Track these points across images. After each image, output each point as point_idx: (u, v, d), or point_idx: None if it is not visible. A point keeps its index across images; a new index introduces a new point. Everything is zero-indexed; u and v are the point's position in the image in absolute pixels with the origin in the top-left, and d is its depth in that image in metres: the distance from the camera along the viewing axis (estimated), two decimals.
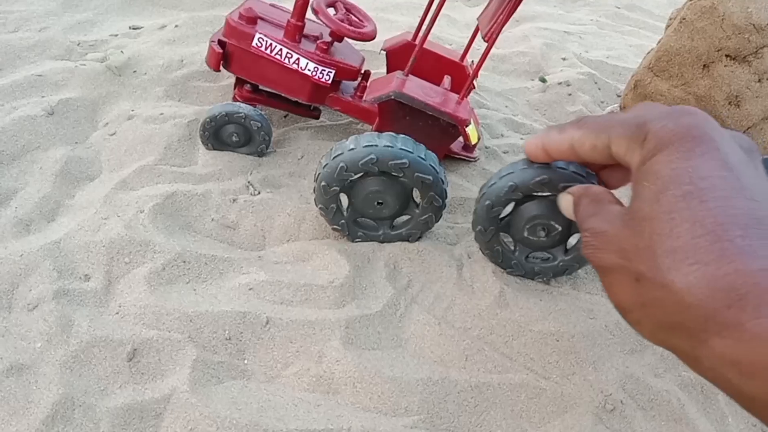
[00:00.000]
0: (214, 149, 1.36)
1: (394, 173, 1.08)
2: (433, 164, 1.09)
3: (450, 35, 2.12)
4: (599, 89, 1.87)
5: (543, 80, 1.89)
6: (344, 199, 1.16)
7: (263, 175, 1.33)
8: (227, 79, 1.59)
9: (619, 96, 1.81)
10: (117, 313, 1.00)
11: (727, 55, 1.40)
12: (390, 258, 1.17)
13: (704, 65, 1.42)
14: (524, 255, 1.16)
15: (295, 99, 1.38)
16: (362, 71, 1.42)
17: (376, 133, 1.09)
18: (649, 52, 1.56)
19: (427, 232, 1.21)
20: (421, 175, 1.07)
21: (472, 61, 1.52)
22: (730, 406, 1.03)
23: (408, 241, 1.20)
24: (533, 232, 1.10)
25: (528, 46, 2.10)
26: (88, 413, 0.87)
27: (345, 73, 1.34)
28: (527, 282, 1.18)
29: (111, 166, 1.33)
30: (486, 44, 1.22)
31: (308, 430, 0.88)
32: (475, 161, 1.49)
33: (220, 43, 1.33)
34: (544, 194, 1.06)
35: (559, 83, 1.86)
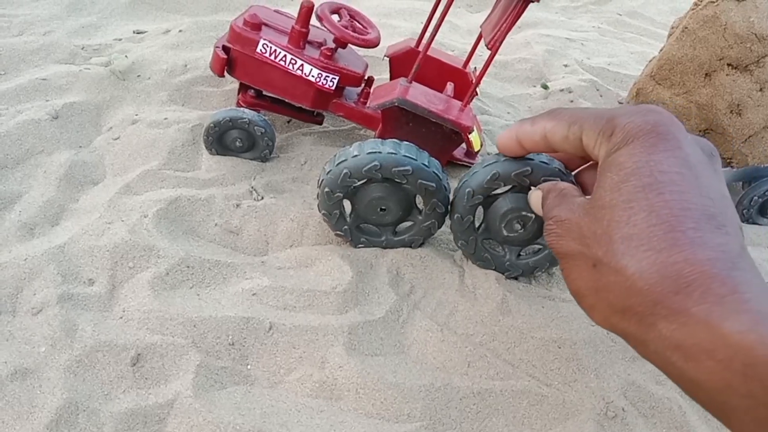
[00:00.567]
0: (218, 154, 1.37)
1: (397, 180, 1.08)
2: (436, 171, 1.09)
3: (452, 41, 2.13)
4: (601, 96, 1.88)
5: (545, 87, 1.90)
6: (347, 205, 1.16)
7: (266, 181, 1.33)
8: (231, 84, 1.59)
9: (620, 103, 1.81)
10: (121, 317, 1.01)
11: (728, 64, 1.41)
12: (393, 264, 1.17)
13: (706, 74, 1.43)
14: (515, 254, 1.17)
15: (299, 105, 1.38)
16: (366, 77, 1.43)
17: (380, 139, 1.10)
18: (651, 60, 1.57)
19: (429, 238, 1.22)
20: (424, 182, 1.08)
21: (475, 68, 1.53)
22: None
23: (411, 247, 1.20)
24: (510, 228, 1.11)
25: (530, 52, 2.11)
26: (92, 418, 0.88)
27: (349, 79, 1.35)
28: (530, 288, 1.19)
29: (115, 171, 1.34)
30: (489, 51, 1.23)
31: None
32: None
33: (225, 48, 1.34)
34: (506, 189, 1.09)
35: (561, 90, 1.87)
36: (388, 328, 1.08)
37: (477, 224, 1.15)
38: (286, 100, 1.39)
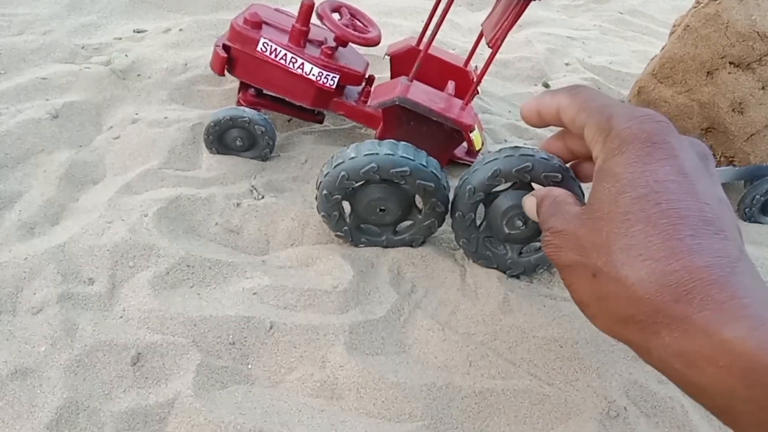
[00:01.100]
0: (218, 153, 1.36)
1: (395, 181, 1.08)
2: (434, 171, 1.09)
3: (453, 39, 2.13)
4: None
5: (546, 85, 1.90)
6: (346, 206, 1.16)
7: (267, 180, 1.33)
8: (231, 83, 1.59)
9: (622, 101, 1.81)
10: (121, 317, 1.01)
11: (731, 63, 1.40)
12: (393, 263, 1.17)
13: (708, 72, 1.42)
14: (516, 252, 1.17)
15: (300, 103, 1.38)
16: (367, 76, 1.42)
17: (377, 140, 1.10)
18: (652, 59, 1.57)
19: (430, 237, 1.21)
20: (422, 182, 1.08)
21: (476, 66, 1.53)
22: None
23: (411, 246, 1.20)
24: (512, 225, 1.11)
25: (531, 51, 2.11)
26: (92, 418, 0.87)
27: (349, 78, 1.34)
28: (531, 287, 1.18)
29: (115, 170, 1.34)
30: (490, 50, 1.22)
31: None
32: None
33: (225, 47, 1.34)
34: (507, 186, 1.09)
35: None
36: (389, 328, 1.07)
37: (478, 222, 1.15)
38: (287, 99, 1.39)
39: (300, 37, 1.32)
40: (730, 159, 1.47)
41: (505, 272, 1.18)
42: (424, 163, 1.08)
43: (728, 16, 1.38)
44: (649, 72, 1.52)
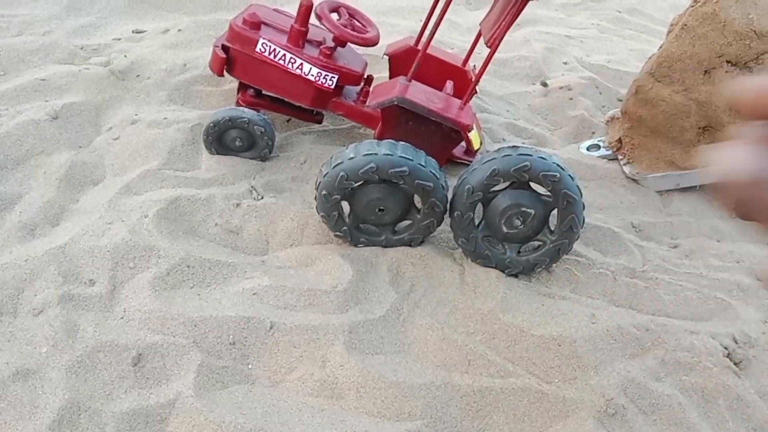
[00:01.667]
0: (218, 154, 1.37)
1: (394, 181, 1.09)
2: (433, 170, 1.10)
3: (451, 39, 2.13)
4: (600, 93, 1.88)
5: (544, 84, 1.90)
6: (345, 206, 1.17)
7: (266, 180, 1.34)
8: (230, 83, 1.59)
9: (620, 100, 1.81)
10: (122, 318, 1.01)
11: (728, 61, 1.41)
12: (393, 263, 1.18)
13: (705, 71, 1.43)
14: (515, 251, 1.18)
15: (299, 104, 1.38)
16: (365, 76, 1.43)
17: (376, 141, 1.10)
18: (650, 57, 1.57)
19: (429, 236, 1.22)
20: (421, 182, 1.08)
21: (474, 66, 1.53)
22: (730, 411, 1.04)
23: (410, 245, 1.21)
24: (510, 224, 1.13)
25: (529, 50, 2.11)
26: (94, 418, 0.88)
27: (348, 78, 1.35)
28: (530, 286, 1.19)
29: (115, 171, 1.34)
30: (488, 49, 1.23)
31: None
32: None
33: (224, 47, 1.34)
34: (505, 186, 1.10)
35: (561, 87, 1.87)
36: (388, 327, 1.08)
37: (477, 221, 1.16)
38: (286, 99, 1.39)
39: (299, 38, 1.33)
40: None
41: (503, 271, 1.19)
42: (423, 163, 1.09)
43: (725, 15, 1.38)
44: (646, 71, 1.52)
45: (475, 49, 1.51)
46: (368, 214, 1.15)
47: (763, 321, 1.21)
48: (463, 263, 1.21)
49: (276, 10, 1.45)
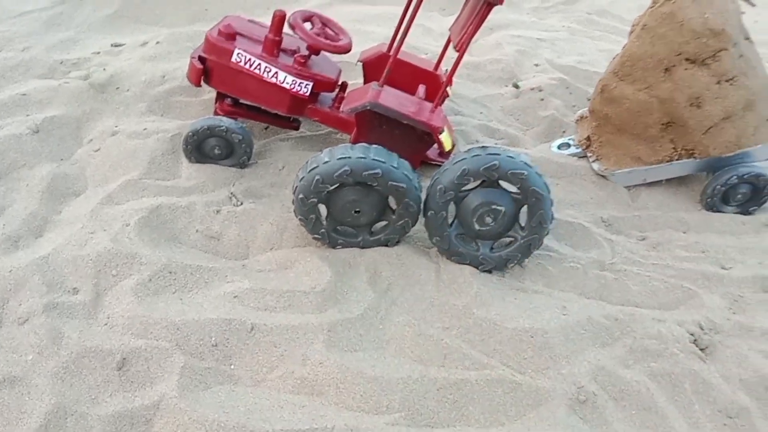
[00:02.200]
0: (197, 162, 1.40)
1: (368, 183, 1.13)
2: (406, 172, 1.14)
3: (426, 44, 2.17)
4: (571, 93, 1.93)
5: (516, 86, 1.95)
6: (323, 209, 1.20)
7: (245, 186, 1.37)
8: (208, 93, 1.62)
9: (589, 100, 1.87)
10: (106, 324, 1.04)
11: (687, 59, 1.46)
12: (370, 263, 1.21)
13: (666, 69, 1.48)
14: (488, 248, 1.23)
15: (275, 111, 1.42)
16: (339, 83, 1.46)
17: (350, 145, 1.14)
18: (614, 58, 1.62)
19: (405, 236, 1.26)
20: (394, 183, 1.12)
21: (446, 70, 1.57)
22: (696, 394, 1.08)
23: (387, 245, 1.24)
24: (482, 221, 1.18)
25: (501, 53, 2.16)
26: (80, 422, 0.91)
27: (322, 85, 1.39)
28: (503, 281, 1.23)
29: (96, 182, 1.36)
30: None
31: (293, 431, 0.92)
32: None
33: (201, 58, 1.37)
34: (476, 185, 1.15)
35: (532, 89, 1.91)
36: (366, 325, 1.11)
37: (450, 220, 1.20)
38: (263, 107, 1.42)
39: (273, 47, 1.36)
40: (691, 152, 1.53)
41: (477, 267, 1.23)
42: (396, 165, 1.13)
43: (683, 15, 1.44)
44: (610, 71, 1.58)
45: (447, 54, 1.55)
46: (345, 216, 1.19)
47: (728, 308, 1.26)
48: (439, 261, 1.25)
49: (251, 21, 1.49)
